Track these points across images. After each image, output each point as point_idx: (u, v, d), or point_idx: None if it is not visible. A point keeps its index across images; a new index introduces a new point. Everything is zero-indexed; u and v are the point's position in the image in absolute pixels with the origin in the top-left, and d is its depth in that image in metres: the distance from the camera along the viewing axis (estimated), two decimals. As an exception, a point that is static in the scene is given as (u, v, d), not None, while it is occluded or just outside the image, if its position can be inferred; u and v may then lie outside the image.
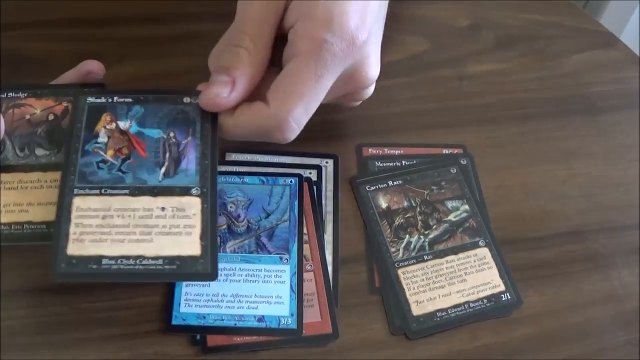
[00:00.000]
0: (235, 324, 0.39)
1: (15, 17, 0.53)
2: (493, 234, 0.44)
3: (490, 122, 0.51)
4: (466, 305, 0.41)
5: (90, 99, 0.39)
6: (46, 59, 0.51)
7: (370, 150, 0.48)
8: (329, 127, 0.49)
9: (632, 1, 1.09)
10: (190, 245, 0.35)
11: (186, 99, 0.39)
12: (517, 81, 0.54)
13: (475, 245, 0.44)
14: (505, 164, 0.49)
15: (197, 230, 0.36)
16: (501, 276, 0.43)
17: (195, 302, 0.40)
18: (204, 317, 0.40)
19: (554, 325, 0.41)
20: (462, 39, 0.56)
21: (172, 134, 0.39)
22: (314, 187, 0.45)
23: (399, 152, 0.48)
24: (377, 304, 0.41)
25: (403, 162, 0.47)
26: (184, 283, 0.41)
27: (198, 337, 0.39)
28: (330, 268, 0.42)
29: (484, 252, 0.43)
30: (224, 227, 0.43)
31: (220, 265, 0.41)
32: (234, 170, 0.46)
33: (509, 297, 0.42)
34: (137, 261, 0.35)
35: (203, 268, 0.35)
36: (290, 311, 0.40)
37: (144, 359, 0.39)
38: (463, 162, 0.47)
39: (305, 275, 0.42)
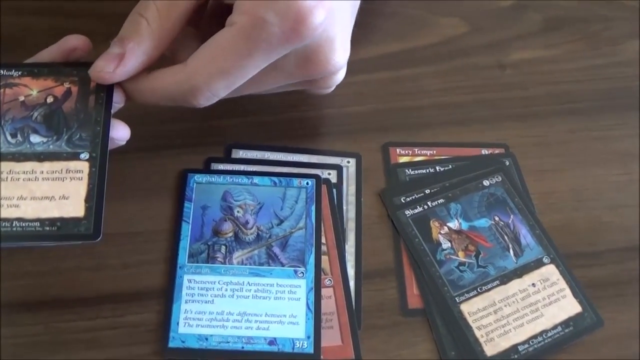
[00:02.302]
0: (243, 347, 0.41)
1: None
2: (556, 247, 0.46)
3: (535, 118, 0.52)
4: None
5: (409, 212, 0.44)
6: (20, 36, 0.53)
7: (398, 150, 0.49)
8: (349, 122, 0.51)
9: None
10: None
11: (485, 182, 0.47)
12: (567, 70, 0.55)
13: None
14: (553, 166, 0.50)
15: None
16: (575, 295, 0.44)
17: (196, 321, 0.41)
18: (207, 339, 0.41)
19: (611, 355, 0.42)
20: (504, 20, 0.58)
21: (497, 218, 0.46)
22: (334, 190, 0.46)
23: (430, 152, 0.49)
24: (406, 326, 0.43)
25: (437, 168, 0.49)
26: (184, 299, 0.42)
27: (199, 362, 0.40)
28: (352, 283, 0.44)
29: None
30: (230, 234, 0.44)
31: (226, 279, 0.42)
32: (242, 169, 0.47)
33: (588, 318, 0.43)
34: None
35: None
36: (307, 333, 0.41)
37: (136, 386, 0.40)
38: (506, 163, 0.49)
39: (324, 292, 0.43)
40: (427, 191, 0.47)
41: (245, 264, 0.43)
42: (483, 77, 0.54)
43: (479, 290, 0.44)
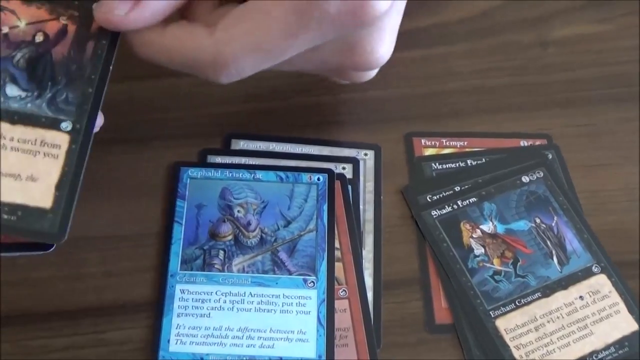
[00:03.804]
0: (244, 368, 0.41)
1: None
2: (607, 253, 0.45)
3: (582, 105, 0.52)
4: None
5: (435, 212, 0.44)
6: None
7: (423, 141, 0.49)
8: (368, 108, 0.50)
9: None
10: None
11: (524, 178, 0.47)
12: (619, 49, 0.55)
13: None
14: (603, 160, 0.50)
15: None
16: (630, 310, 0.44)
17: (190, 337, 0.41)
18: (202, 359, 0.41)
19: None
20: (546, -9, 0.58)
21: (538, 220, 0.46)
22: (349, 187, 0.46)
23: (461, 143, 0.49)
24: (433, 344, 0.43)
25: (468, 162, 0.49)
26: (176, 313, 0.42)
27: (193, 385, 0.40)
28: (370, 295, 0.44)
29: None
30: (230, 237, 0.44)
31: (225, 289, 0.42)
32: (243, 162, 0.47)
33: None
34: None
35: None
36: (318, 352, 0.41)
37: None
38: (549, 156, 0.49)
39: (338, 304, 0.43)
40: (457, 188, 0.47)
41: (247, 272, 0.43)
42: (522, 57, 0.54)
43: (517, 303, 0.44)
